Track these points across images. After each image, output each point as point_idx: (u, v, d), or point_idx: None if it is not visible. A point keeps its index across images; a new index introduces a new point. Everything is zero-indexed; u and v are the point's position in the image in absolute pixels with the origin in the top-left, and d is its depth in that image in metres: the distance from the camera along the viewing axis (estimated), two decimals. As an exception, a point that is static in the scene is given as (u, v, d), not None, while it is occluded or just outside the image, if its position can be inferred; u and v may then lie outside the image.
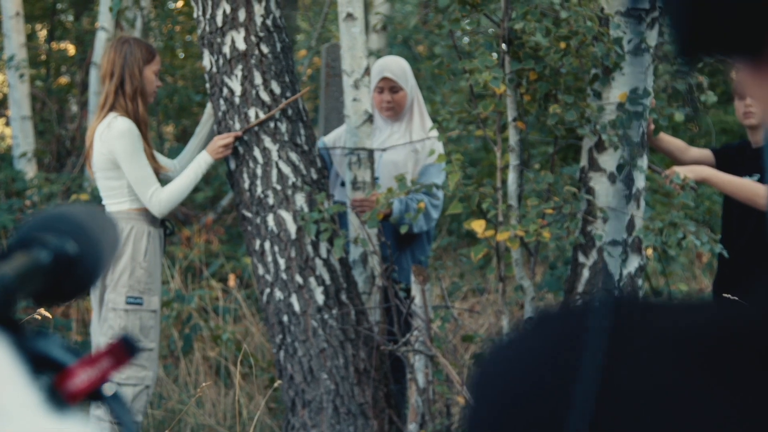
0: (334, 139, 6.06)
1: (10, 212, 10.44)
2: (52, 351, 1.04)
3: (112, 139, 5.14)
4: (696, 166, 5.22)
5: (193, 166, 5.32)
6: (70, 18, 16.72)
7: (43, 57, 15.72)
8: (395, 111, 5.91)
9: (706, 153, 5.67)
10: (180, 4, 14.65)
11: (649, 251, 5.35)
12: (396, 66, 5.90)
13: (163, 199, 5.21)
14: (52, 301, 1.16)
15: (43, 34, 16.70)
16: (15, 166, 12.24)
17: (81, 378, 1.01)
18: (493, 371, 0.93)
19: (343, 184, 5.91)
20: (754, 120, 5.36)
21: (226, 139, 5.28)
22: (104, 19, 11.75)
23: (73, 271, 1.14)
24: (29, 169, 12.22)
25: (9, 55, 12.31)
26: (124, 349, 1.05)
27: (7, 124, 15.97)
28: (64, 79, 16.08)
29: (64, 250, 1.13)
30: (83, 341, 7.47)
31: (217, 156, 5.31)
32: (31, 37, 15.04)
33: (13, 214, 10.42)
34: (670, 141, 5.57)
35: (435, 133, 5.92)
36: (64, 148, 14.24)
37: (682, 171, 5.10)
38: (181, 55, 15.31)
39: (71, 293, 1.17)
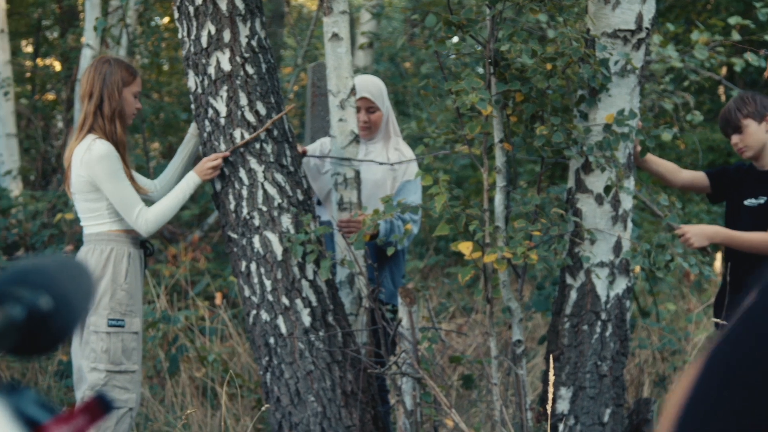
0: (310, 152, 6.01)
1: (-5, 231, 10.38)
2: (27, 408, 1.01)
3: (92, 163, 5.09)
4: (708, 230, 5.25)
5: (181, 186, 5.28)
6: (56, 34, 16.68)
7: (29, 74, 15.68)
8: (371, 131, 5.90)
9: (699, 176, 5.64)
10: (166, 20, 14.63)
11: (637, 269, 5.35)
12: (373, 86, 5.88)
13: (149, 219, 5.17)
14: (27, 355, 1.13)
15: (28, 50, 16.67)
16: (0, 184, 12.19)
17: (56, 437, 0.99)
18: None
19: (319, 202, 5.89)
20: (749, 153, 5.36)
21: (214, 160, 5.24)
22: (90, 35, 11.72)
23: (48, 326, 1.11)
24: (14, 187, 12.19)
25: (-7, 73, 12.29)
26: (99, 407, 1.02)
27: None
28: (50, 96, 16.04)
29: (38, 306, 1.10)
30: (68, 361, 7.42)
31: (205, 177, 5.27)
32: (16, 53, 15.00)
33: (-2, 233, 10.37)
34: (659, 163, 5.55)
35: (411, 153, 5.92)
36: (49, 165, 14.21)
37: (694, 237, 5.13)
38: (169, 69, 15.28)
39: (47, 347, 1.14)
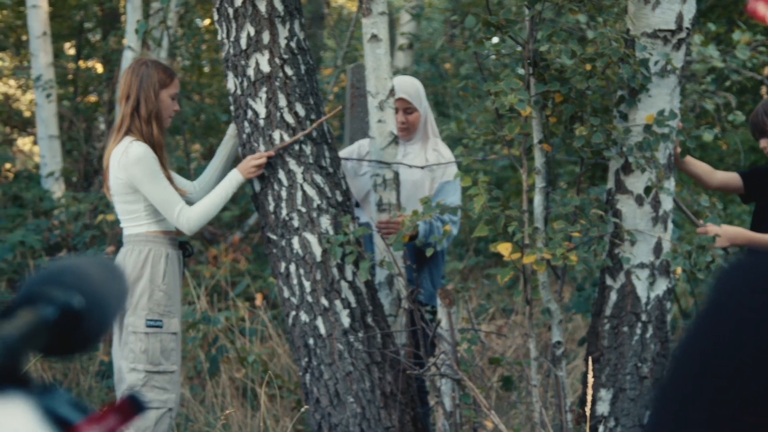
0: (347, 154, 6.01)
1: (37, 232, 10.46)
2: (59, 408, 1.02)
3: (129, 165, 5.11)
4: (730, 231, 5.20)
5: (223, 185, 5.29)
6: (98, 36, 16.78)
7: (71, 77, 15.78)
8: (409, 131, 5.90)
9: (732, 176, 5.61)
10: (207, 22, 14.69)
11: (678, 270, 5.31)
12: (411, 87, 5.88)
13: (192, 217, 5.18)
14: (60, 355, 1.14)
15: (71, 52, 16.78)
16: (42, 186, 12.28)
17: (87, 436, 0.99)
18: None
19: (357, 204, 5.88)
20: None
21: (258, 159, 5.25)
22: (131, 38, 11.79)
23: (81, 325, 1.12)
24: (57, 189, 12.26)
25: (36, 75, 12.36)
26: (131, 407, 1.02)
27: (35, 143, 16.05)
28: (92, 98, 16.14)
29: (70, 305, 1.11)
30: (109, 362, 7.46)
31: (248, 175, 5.28)
32: (58, 55, 15.10)
33: (41, 234, 10.44)
34: (696, 165, 5.52)
35: (450, 154, 5.90)
36: (91, 167, 14.29)
37: (718, 241, 5.09)
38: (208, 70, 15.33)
39: (80, 346, 1.14)
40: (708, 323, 0.99)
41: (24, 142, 18.77)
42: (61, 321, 1.09)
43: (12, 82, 16.46)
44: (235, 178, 5.29)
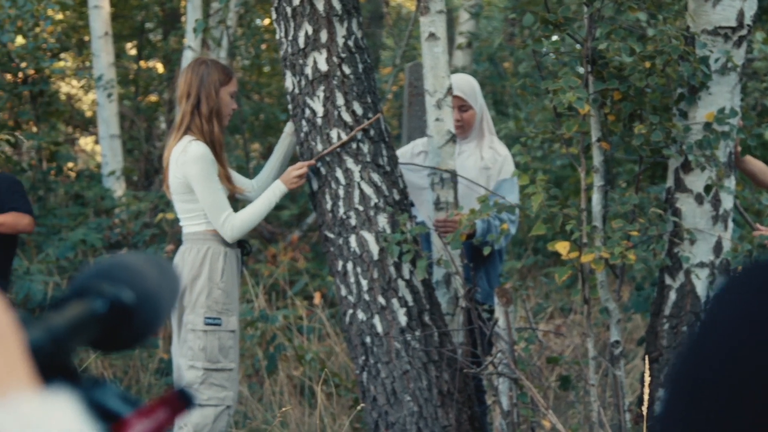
0: (400, 153, 5.99)
1: (98, 231, 10.55)
2: (109, 401, 1.02)
3: (186, 164, 5.14)
4: None
5: (267, 195, 5.31)
6: (159, 36, 16.90)
7: (132, 77, 15.90)
8: (464, 129, 5.85)
9: None
10: (267, 21, 14.73)
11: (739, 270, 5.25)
12: (466, 85, 5.84)
13: (235, 225, 5.20)
14: (110, 349, 1.14)
15: (132, 52, 16.91)
16: (104, 185, 12.37)
17: (137, 429, 1.00)
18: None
19: (412, 204, 5.86)
20: None
21: (300, 169, 5.26)
22: (191, 37, 11.85)
23: (131, 320, 1.12)
24: (118, 187, 12.35)
25: (98, 75, 12.46)
26: (181, 401, 1.03)
27: (97, 142, 16.17)
28: (152, 97, 16.25)
29: (120, 299, 1.11)
30: (169, 359, 7.52)
31: (291, 186, 5.29)
32: (120, 56, 15.22)
33: (102, 233, 10.53)
34: (753, 163, 5.47)
35: (506, 151, 5.86)
36: (152, 166, 14.39)
37: None
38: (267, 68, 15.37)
39: (129, 341, 1.15)
40: (710, 326, 1.00)
41: (86, 142, 18.93)
42: (110, 315, 1.10)
43: (74, 82, 16.59)
44: (278, 188, 5.31)
